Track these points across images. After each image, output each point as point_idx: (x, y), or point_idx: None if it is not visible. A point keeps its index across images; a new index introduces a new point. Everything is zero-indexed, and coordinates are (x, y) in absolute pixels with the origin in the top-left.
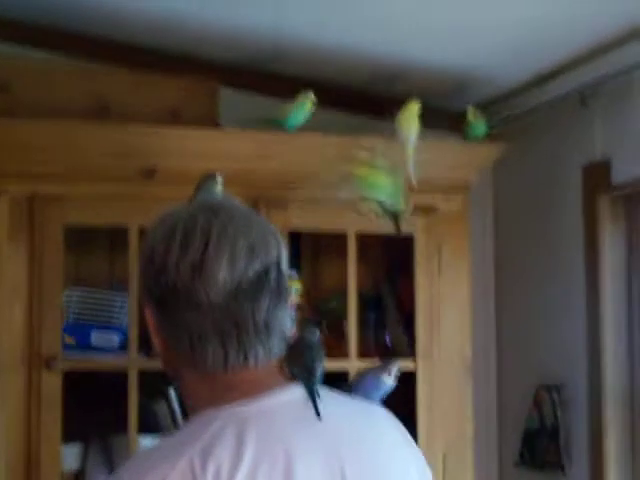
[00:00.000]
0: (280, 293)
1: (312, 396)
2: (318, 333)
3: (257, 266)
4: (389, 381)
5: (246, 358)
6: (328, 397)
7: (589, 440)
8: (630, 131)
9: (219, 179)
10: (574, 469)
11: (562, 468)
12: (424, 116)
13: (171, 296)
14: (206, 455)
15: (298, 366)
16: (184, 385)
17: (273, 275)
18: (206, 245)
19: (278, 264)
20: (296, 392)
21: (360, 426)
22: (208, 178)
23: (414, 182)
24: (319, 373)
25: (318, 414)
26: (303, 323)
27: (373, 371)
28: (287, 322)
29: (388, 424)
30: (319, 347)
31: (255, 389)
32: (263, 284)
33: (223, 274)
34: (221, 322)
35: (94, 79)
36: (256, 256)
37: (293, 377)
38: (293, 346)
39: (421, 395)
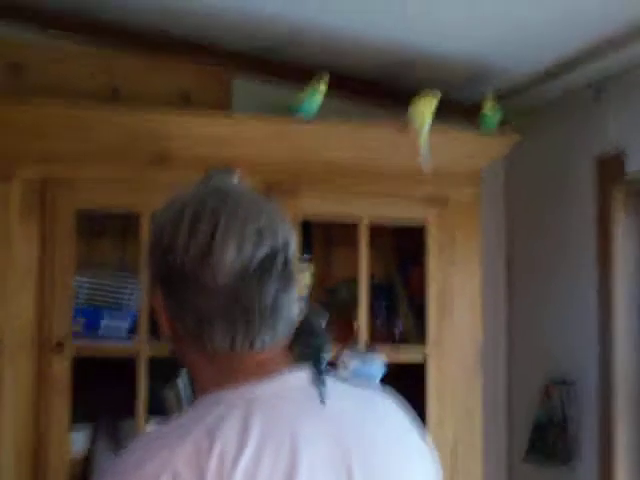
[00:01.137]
0: (287, 278)
1: (317, 381)
2: (326, 318)
3: (265, 250)
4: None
5: (253, 342)
6: (334, 382)
7: (598, 434)
8: None
9: (236, 175)
10: (583, 463)
11: (571, 462)
12: (437, 106)
13: (178, 277)
14: (212, 436)
15: (305, 350)
16: (191, 367)
17: (281, 260)
18: (215, 228)
19: (286, 249)
20: (302, 376)
21: (365, 412)
22: (220, 172)
23: (427, 171)
24: (325, 358)
25: (322, 400)
26: (312, 309)
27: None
28: (294, 307)
29: (394, 410)
30: (326, 332)
31: (261, 372)
32: (270, 268)
33: (231, 258)
34: (228, 306)
35: (106, 63)
36: (264, 240)
37: (300, 360)
38: (300, 330)
39: (431, 385)
